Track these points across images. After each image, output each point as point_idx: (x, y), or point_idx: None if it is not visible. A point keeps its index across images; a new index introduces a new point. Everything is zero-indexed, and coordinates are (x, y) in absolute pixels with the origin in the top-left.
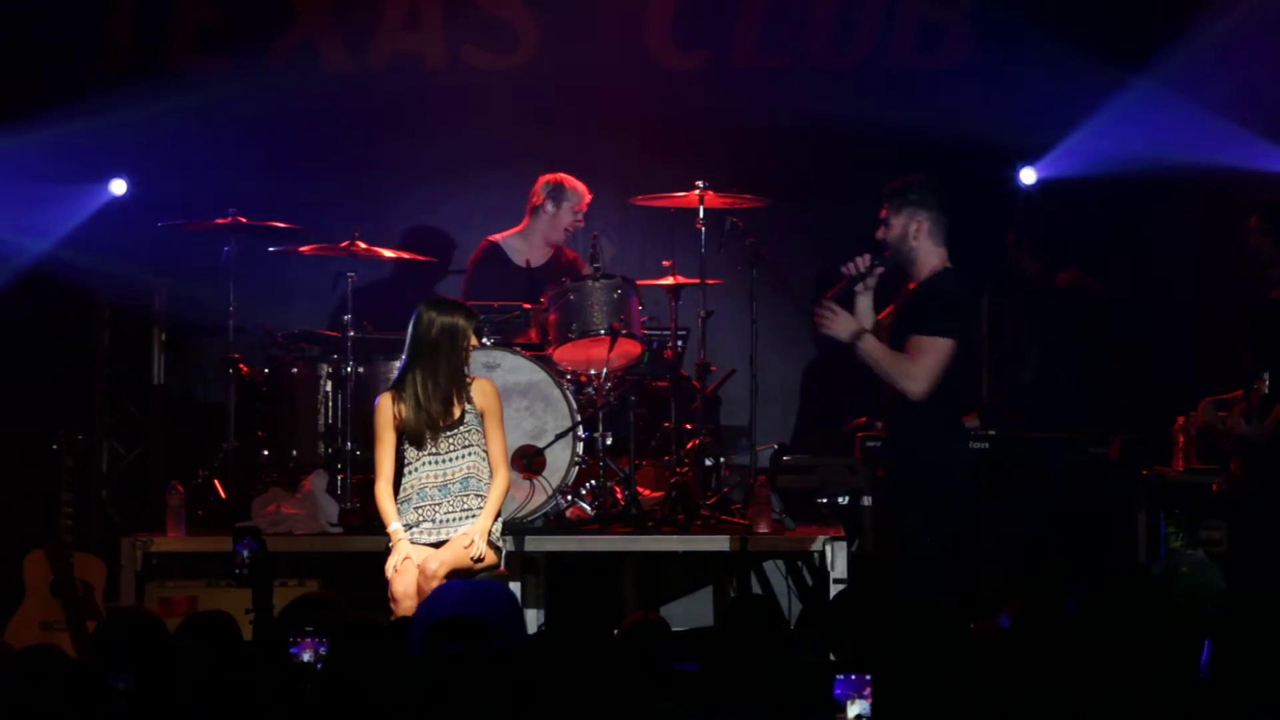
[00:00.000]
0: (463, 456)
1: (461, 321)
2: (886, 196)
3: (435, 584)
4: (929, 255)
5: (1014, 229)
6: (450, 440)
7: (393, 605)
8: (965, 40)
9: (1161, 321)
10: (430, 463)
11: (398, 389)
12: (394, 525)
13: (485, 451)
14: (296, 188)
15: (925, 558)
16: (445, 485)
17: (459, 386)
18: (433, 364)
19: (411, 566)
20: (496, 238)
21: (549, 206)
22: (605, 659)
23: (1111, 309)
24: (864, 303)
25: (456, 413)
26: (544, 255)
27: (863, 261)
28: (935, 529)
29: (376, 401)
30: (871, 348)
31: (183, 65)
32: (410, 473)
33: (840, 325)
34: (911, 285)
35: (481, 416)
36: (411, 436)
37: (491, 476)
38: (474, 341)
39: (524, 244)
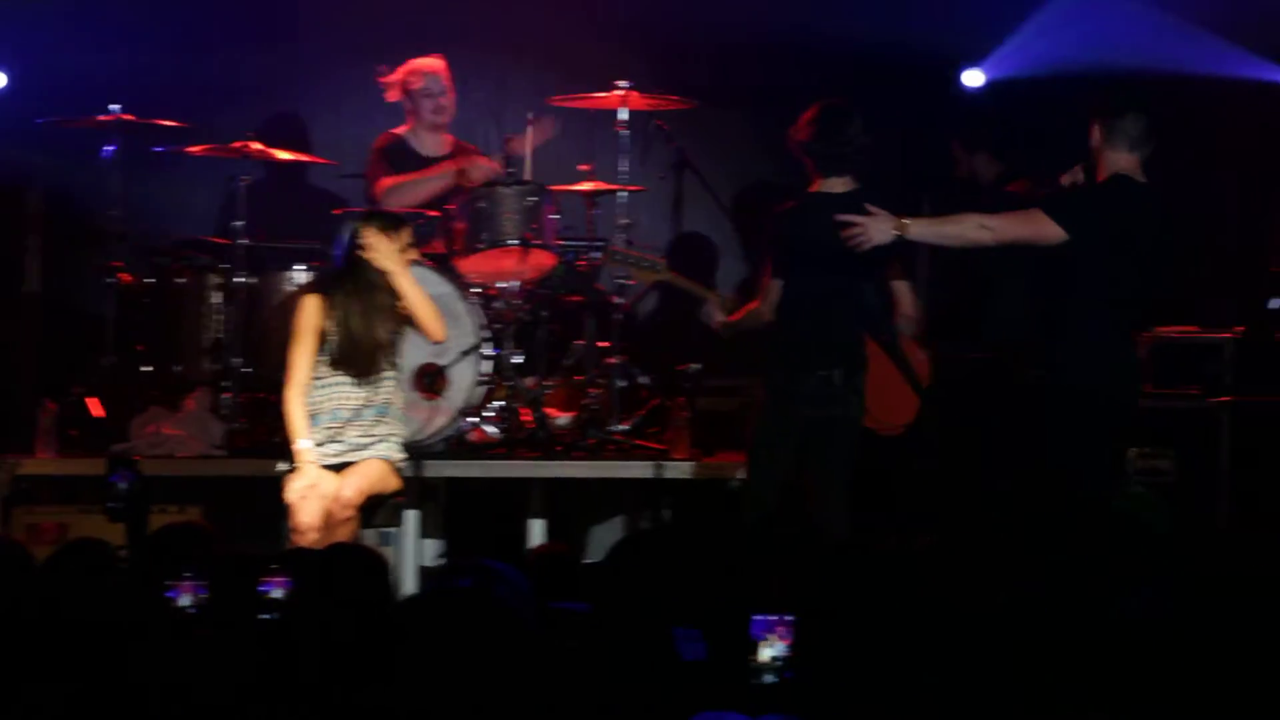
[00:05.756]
0: (383, 381)
1: (384, 228)
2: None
3: (350, 513)
4: (1110, 164)
5: (963, 134)
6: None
7: (295, 537)
8: None
9: None
10: (349, 384)
11: (328, 295)
12: (303, 442)
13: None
14: (185, 83)
15: None
16: (360, 410)
17: (388, 308)
18: (356, 282)
19: (317, 495)
20: (399, 130)
21: (406, 101)
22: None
23: None
24: None
25: (386, 331)
26: (440, 150)
27: (1078, 170)
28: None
29: (302, 300)
30: (923, 225)
31: None
32: (322, 387)
33: (879, 229)
34: None
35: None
36: (332, 353)
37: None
38: (411, 254)
39: (418, 142)
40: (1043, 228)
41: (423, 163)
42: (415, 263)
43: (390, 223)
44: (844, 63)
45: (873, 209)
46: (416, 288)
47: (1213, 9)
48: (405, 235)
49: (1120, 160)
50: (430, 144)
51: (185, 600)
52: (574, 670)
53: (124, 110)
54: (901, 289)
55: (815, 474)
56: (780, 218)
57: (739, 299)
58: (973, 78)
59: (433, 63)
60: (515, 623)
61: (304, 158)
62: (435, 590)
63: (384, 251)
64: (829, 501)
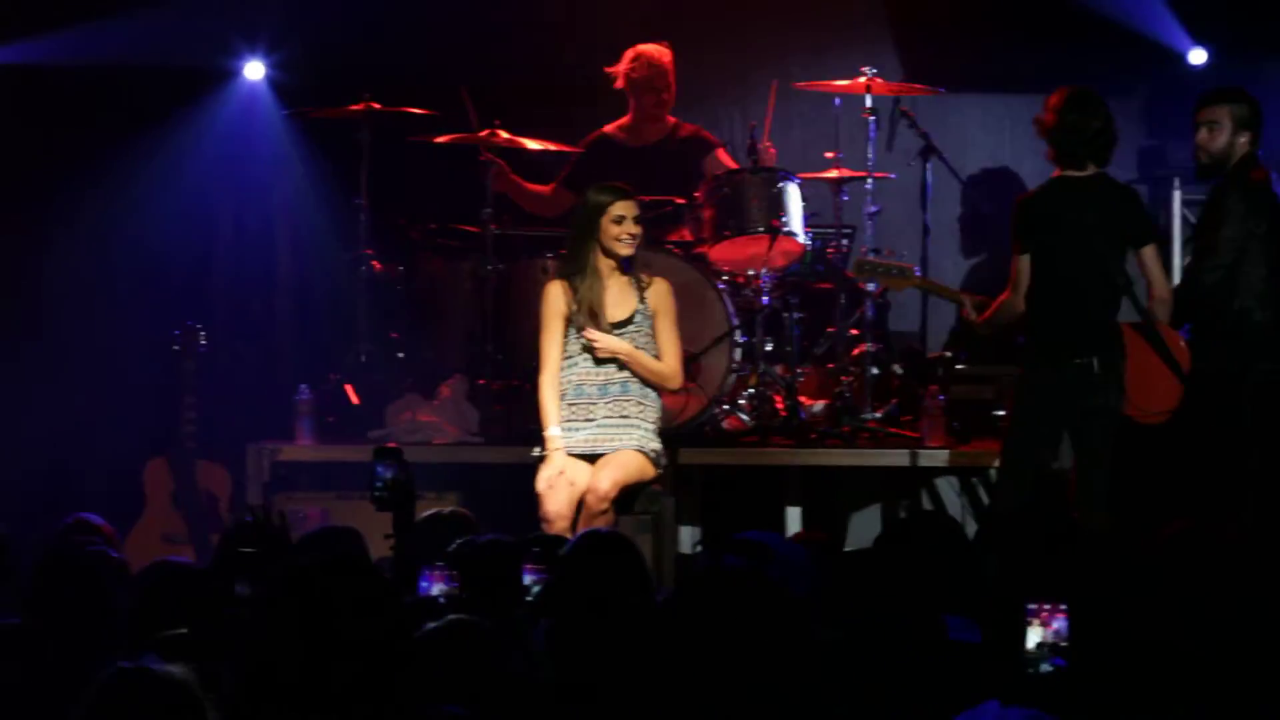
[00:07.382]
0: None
1: (600, 198)
2: None
3: (605, 505)
4: None
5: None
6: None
7: (545, 526)
8: None
9: None
10: (590, 362)
11: (567, 278)
12: (553, 430)
13: (654, 357)
14: (435, 71)
15: None
16: (605, 385)
17: (624, 276)
18: (582, 249)
19: (566, 483)
20: (608, 129)
21: (628, 88)
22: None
23: None
24: None
25: (626, 311)
26: (656, 137)
27: None
28: None
29: (546, 287)
30: None
31: None
32: (569, 367)
33: None
34: None
35: (653, 318)
36: (576, 327)
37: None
38: (630, 227)
39: (633, 132)
40: None
41: (629, 155)
42: (664, 251)
43: (615, 195)
44: (1075, 45)
45: None
46: (638, 355)
47: None
48: (630, 208)
49: None
50: (647, 133)
51: (436, 589)
52: (843, 657)
53: (373, 99)
54: (1154, 271)
55: (1075, 464)
56: (1026, 204)
57: (988, 299)
58: (1197, 56)
59: (655, 50)
60: (789, 606)
61: (551, 145)
62: (706, 569)
63: (605, 345)
64: (1088, 491)
